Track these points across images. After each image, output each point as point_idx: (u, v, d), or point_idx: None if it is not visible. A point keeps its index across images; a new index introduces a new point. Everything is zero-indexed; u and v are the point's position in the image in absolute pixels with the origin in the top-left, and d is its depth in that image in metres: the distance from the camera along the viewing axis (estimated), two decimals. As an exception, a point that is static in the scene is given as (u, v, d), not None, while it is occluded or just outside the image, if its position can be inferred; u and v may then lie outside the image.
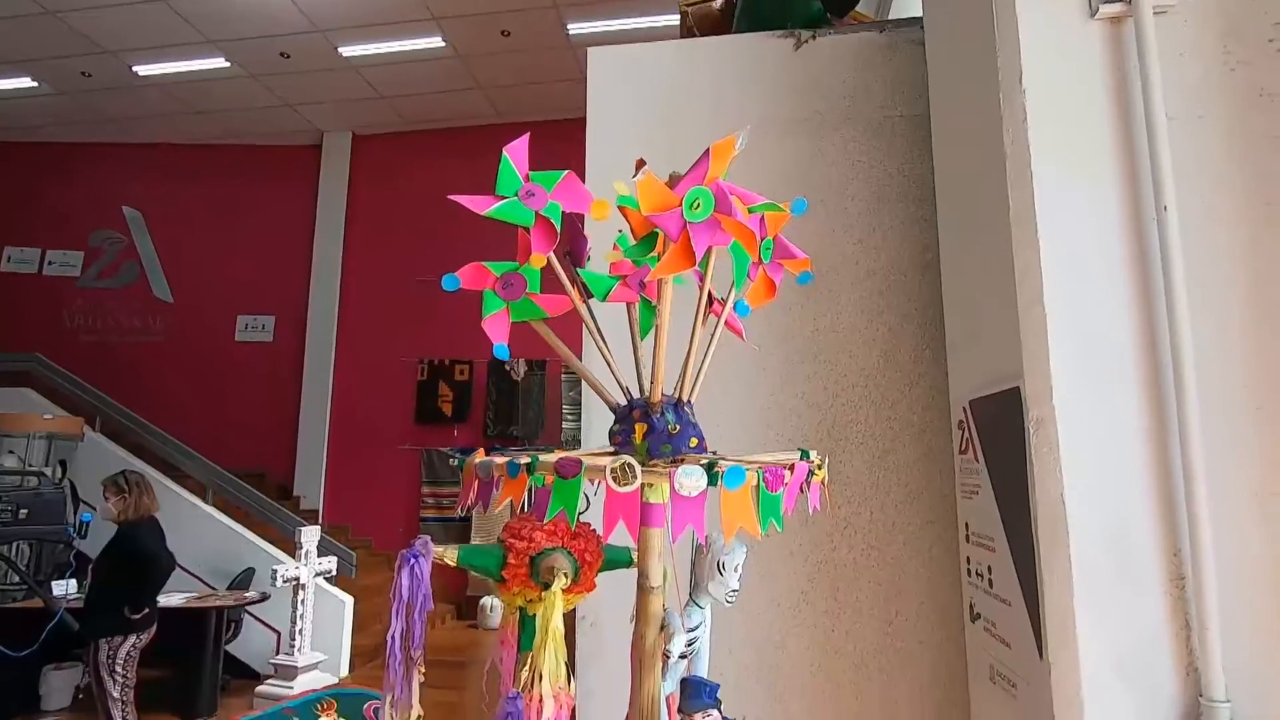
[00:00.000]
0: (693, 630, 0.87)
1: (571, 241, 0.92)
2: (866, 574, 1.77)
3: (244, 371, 8.26)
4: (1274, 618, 1.10)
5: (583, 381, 1.99)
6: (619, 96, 2.07)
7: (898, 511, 1.79)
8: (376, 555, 7.45)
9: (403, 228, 8.22)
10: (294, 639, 4.85)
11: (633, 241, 0.86)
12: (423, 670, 0.76)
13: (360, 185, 8.50)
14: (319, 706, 0.84)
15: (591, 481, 0.79)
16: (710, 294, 0.92)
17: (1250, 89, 1.24)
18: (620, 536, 0.86)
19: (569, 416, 7.80)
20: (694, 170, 0.79)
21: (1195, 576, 1.10)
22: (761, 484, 0.74)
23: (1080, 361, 1.20)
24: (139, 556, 3.48)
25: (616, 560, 0.90)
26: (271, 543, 6.00)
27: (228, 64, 7.01)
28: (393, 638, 0.75)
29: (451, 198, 0.75)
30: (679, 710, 0.81)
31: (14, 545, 4.56)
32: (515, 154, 0.78)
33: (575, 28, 6.43)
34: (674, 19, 2.78)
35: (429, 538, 0.80)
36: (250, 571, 5.71)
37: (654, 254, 0.83)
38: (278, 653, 5.22)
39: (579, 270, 0.90)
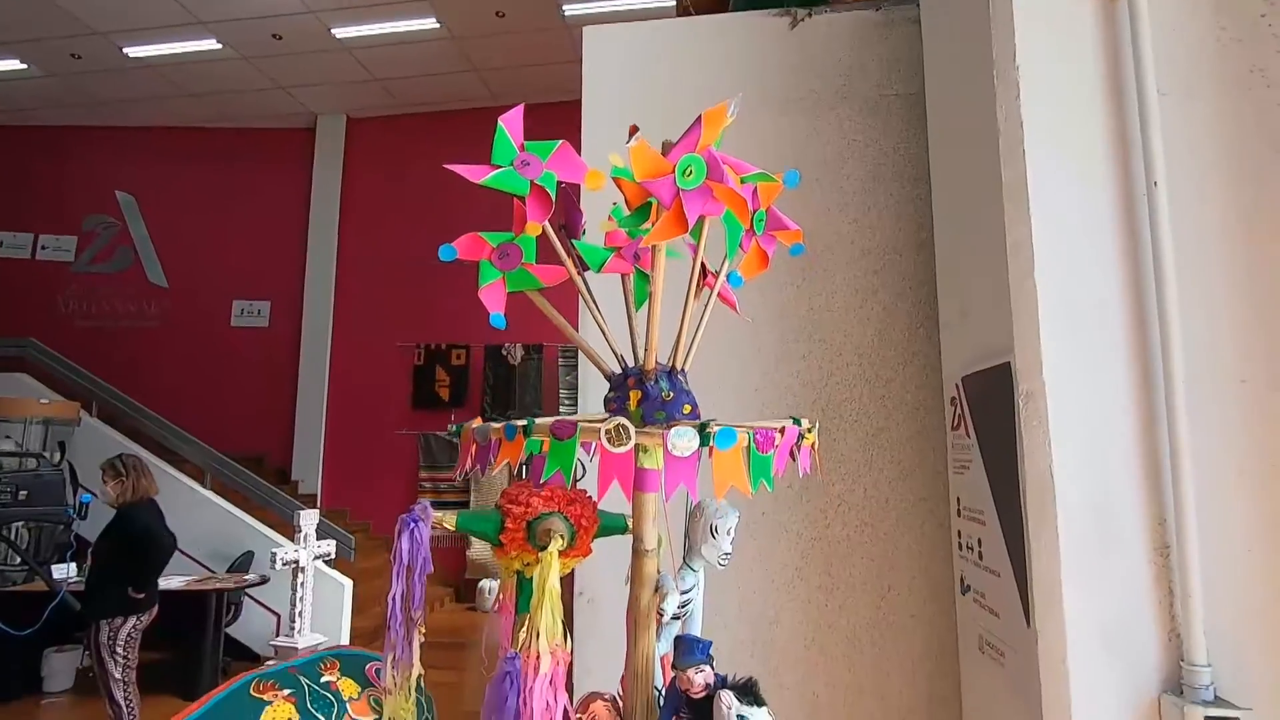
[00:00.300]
0: (686, 592, 0.89)
1: (567, 214, 0.93)
2: (859, 550, 1.80)
3: (240, 357, 8.24)
4: (1255, 585, 1.13)
5: (579, 366, 2.00)
6: (615, 75, 2.06)
7: (890, 488, 1.81)
8: (375, 539, 7.49)
9: (398, 211, 8.18)
10: (293, 621, 4.88)
11: (627, 213, 0.87)
12: (423, 630, 0.78)
13: (355, 168, 8.44)
14: (322, 665, 0.86)
15: (587, 452, 0.81)
16: (704, 265, 0.93)
17: (1242, 65, 1.25)
18: (616, 504, 0.87)
19: (566, 401, 7.82)
20: (686, 137, 0.79)
21: (1179, 546, 1.13)
22: (752, 445, 0.75)
23: (1070, 335, 1.22)
24: (140, 537, 3.49)
25: (612, 526, 0.91)
26: (270, 526, 6.03)
27: (219, 45, 6.93)
28: (393, 599, 0.77)
29: (447, 166, 0.76)
30: (673, 666, 0.83)
31: (14, 528, 4.57)
32: (510, 124, 0.79)
33: (570, 8, 6.37)
34: (670, -2, 2.76)
35: (428, 502, 0.81)
36: (249, 555, 5.74)
37: (648, 225, 0.84)
38: (277, 635, 5.27)
39: (574, 242, 0.91)
